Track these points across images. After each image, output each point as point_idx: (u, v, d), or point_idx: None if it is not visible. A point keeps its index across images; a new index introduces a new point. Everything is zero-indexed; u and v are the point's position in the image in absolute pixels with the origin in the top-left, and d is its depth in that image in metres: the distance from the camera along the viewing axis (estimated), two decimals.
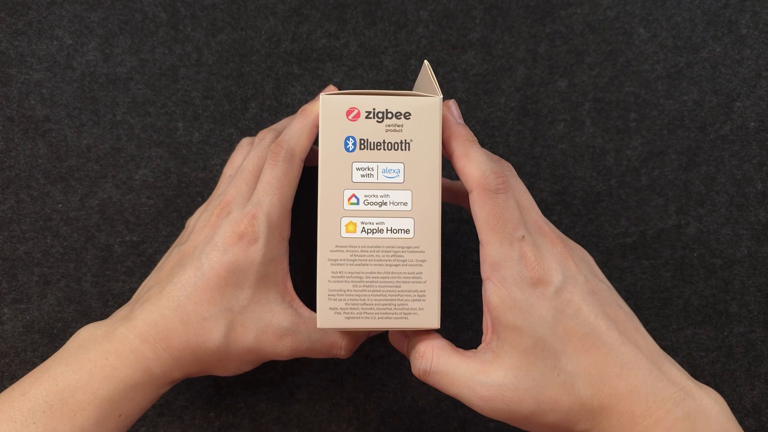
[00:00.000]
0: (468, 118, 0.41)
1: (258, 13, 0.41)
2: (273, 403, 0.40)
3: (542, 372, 0.28)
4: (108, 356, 0.30)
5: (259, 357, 0.33)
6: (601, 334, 0.28)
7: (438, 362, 0.30)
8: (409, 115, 0.30)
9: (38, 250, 0.40)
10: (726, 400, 0.41)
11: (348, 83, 0.41)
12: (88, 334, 0.32)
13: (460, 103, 0.41)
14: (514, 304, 0.28)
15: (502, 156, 0.41)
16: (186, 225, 0.37)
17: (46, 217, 0.40)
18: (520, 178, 0.41)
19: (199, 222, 0.34)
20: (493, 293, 0.29)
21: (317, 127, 0.33)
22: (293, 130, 0.33)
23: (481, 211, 0.29)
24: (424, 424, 0.41)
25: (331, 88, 0.35)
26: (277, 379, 0.41)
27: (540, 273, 0.29)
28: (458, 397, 0.30)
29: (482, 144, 0.41)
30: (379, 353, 0.41)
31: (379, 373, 0.41)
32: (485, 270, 0.29)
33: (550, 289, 0.29)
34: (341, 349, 0.34)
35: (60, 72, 0.41)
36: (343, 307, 0.31)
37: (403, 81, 0.41)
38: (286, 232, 0.34)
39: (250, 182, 0.34)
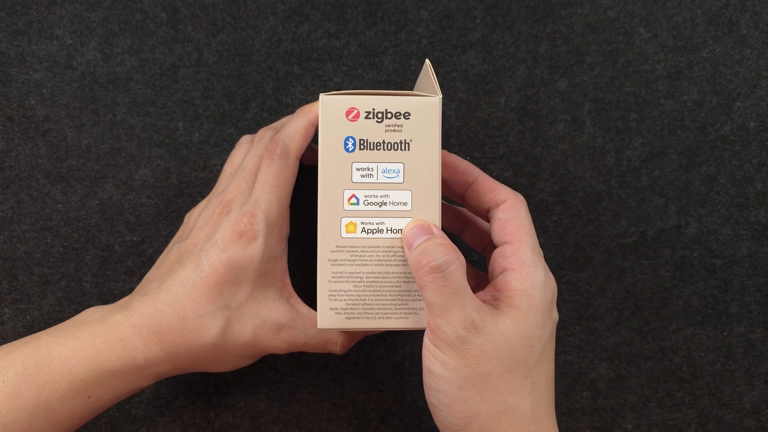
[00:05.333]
0: (468, 118, 0.41)
1: (258, 13, 0.41)
2: (273, 403, 0.40)
3: (521, 358, 0.29)
4: (96, 338, 0.31)
5: (257, 351, 0.34)
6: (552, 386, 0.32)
7: (457, 268, 0.28)
8: (409, 115, 0.30)
9: (38, 250, 0.40)
10: (726, 400, 0.41)
11: (348, 83, 0.41)
12: (86, 315, 0.33)
13: (460, 103, 0.41)
14: (532, 300, 0.30)
15: (502, 156, 0.41)
16: (185, 220, 0.37)
17: (46, 217, 0.40)
18: (521, 178, 0.41)
19: (200, 220, 0.35)
20: (517, 281, 0.30)
21: (314, 125, 0.33)
22: (289, 128, 0.34)
23: (516, 216, 0.32)
24: (424, 424, 0.41)
25: None
26: (277, 379, 0.41)
27: (554, 296, 0.31)
28: (436, 314, 0.28)
29: (482, 144, 0.41)
30: (379, 353, 0.41)
31: (379, 373, 0.41)
32: (514, 262, 0.30)
33: (555, 317, 0.31)
34: (336, 345, 0.34)
35: (60, 72, 0.41)
36: (343, 308, 0.31)
37: (403, 81, 0.41)
38: (285, 229, 0.34)
39: (250, 181, 0.34)
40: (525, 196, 0.41)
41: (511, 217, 0.32)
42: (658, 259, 0.41)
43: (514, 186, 0.41)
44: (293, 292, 0.34)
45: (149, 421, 0.40)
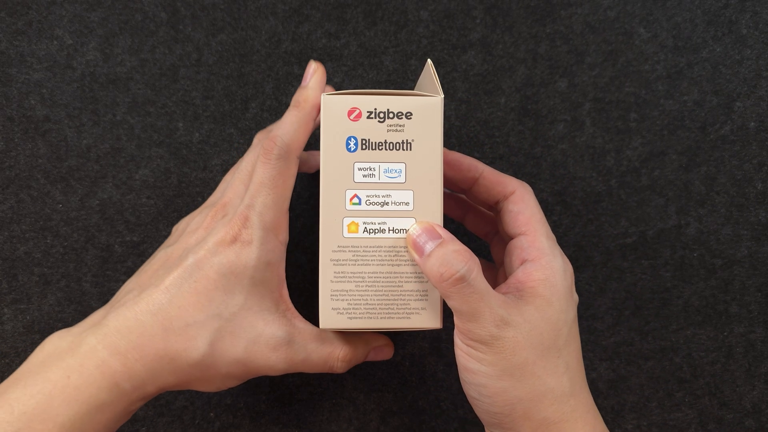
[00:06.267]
0: (468, 118, 0.41)
1: (258, 13, 0.41)
2: (273, 403, 0.40)
3: (550, 342, 0.29)
4: (70, 374, 0.28)
5: (248, 371, 0.31)
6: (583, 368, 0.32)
7: (477, 275, 0.28)
8: (411, 114, 0.30)
9: (38, 250, 0.40)
10: (726, 400, 0.41)
11: (348, 83, 0.41)
12: (53, 347, 0.29)
13: (460, 103, 0.41)
14: (554, 287, 0.30)
15: (502, 156, 0.41)
16: (172, 231, 0.35)
17: (46, 217, 0.40)
18: (521, 178, 0.41)
19: (192, 225, 0.33)
20: (539, 271, 0.30)
21: (312, 118, 0.32)
22: (286, 123, 0.32)
23: (527, 206, 0.32)
24: (424, 424, 0.41)
25: (329, 89, 0.34)
26: (277, 380, 0.41)
27: (573, 279, 0.32)
28: (465, 319, 0.28)
29: (482, 144, 0.41)
30: None
31: (379, 373, 0.41)
32: (532, 252, 0.31)
33: (576, 299, 0.32)
34: (338, 360, 0.32)
35: (60, 72, 0.41)
36: (345, 307, 0.31)
37: (403, 81, 0.41)
38: (283, 235, 0.32)
39: (247, 183, 0.32)
40: None
41: (522, 209, 0.32)
42: (658, 259, 0.41)
43: None
44: (290, 305, 0.32)
45: (149, 422, 0.40)
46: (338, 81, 0.41)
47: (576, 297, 0.32)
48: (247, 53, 0.41)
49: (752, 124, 0.41)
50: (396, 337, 0.41)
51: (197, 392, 0.40)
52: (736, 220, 0.41)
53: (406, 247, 0.30)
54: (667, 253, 0.41)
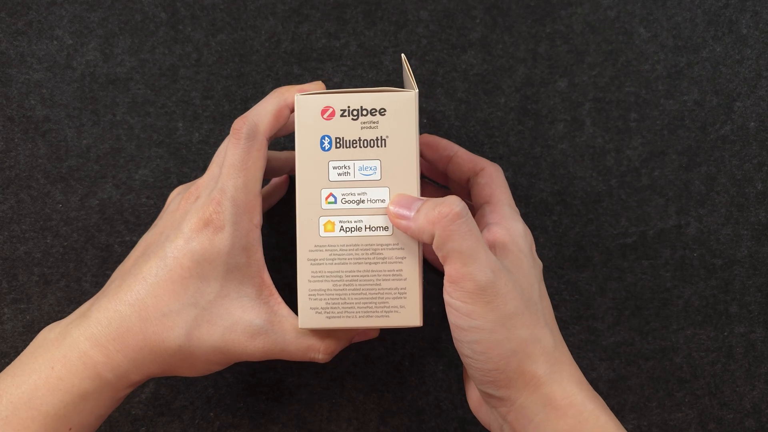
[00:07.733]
0: (468, 118, 0.41)
1: (258, 13, 0.41)
2: (273, 403, 0.40)
3: (529, 295, 0.30)
4: (54, 365, 0.29)
5: (227, 358, 0.31)
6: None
7: (470, 215, 0.29)
8: (384, 111, 0.30)
9: (38, 250, 0.40)
10: (726, 401, 0.41)
11: (348, 83, 0.41)
12: (42, 339, 0.30)
13: (460, 103, 0.41)
14: (518, 245, 0.32)
15: (502, 156, 0.41)
16: (166, 202, 0.35)
17: (46, 217, 0.40)
18: (521, 178, 0.41)
19: (171, 206, 0.33)
20: (503, 229, 0.32)
21: (288, 107, 0.32)
22: (260, 107, 0.32)
23: (493, 180, 0.34)
24: (424, 424, 0.41)
25: (320, 85, 0.33)
26: (277, 379, 0.41)
27: (533, 244, 0.34)
28: (464, 262, 0.28)
29: (482, 144, 0.41)
30: (379, 353, 0.41)
31: (379, 373, 0.41)
32: (494, 217, 0.33)
33: (539, 263, 0.34)
34: (319, 352, 0.32)
35: (60, 72, 0.41)
36: (323, 307, 0.31)
37: (403, 81, 0.41)
38: (257, 218, 0.31)
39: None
40: (525, 196, 0.41)
41: (488, 181, 0.34)
42: (658, 259, 0.41)
43: (513, 185, 0.41)
44: (274, 291, 0.32)
45: (149, 421, 0.40)
46: (338, 81, 0.41)
47: (540, 262, 0.33)
48: (246, 53, 0.41)
49: (752, 124, 0.41)
50: (395, 336, 0.41)
51: (197, 392, 0.40)
52: (736, 220, 0.41)
53: (392, 223, 0.30)
54: (667, 253, 0.41)
